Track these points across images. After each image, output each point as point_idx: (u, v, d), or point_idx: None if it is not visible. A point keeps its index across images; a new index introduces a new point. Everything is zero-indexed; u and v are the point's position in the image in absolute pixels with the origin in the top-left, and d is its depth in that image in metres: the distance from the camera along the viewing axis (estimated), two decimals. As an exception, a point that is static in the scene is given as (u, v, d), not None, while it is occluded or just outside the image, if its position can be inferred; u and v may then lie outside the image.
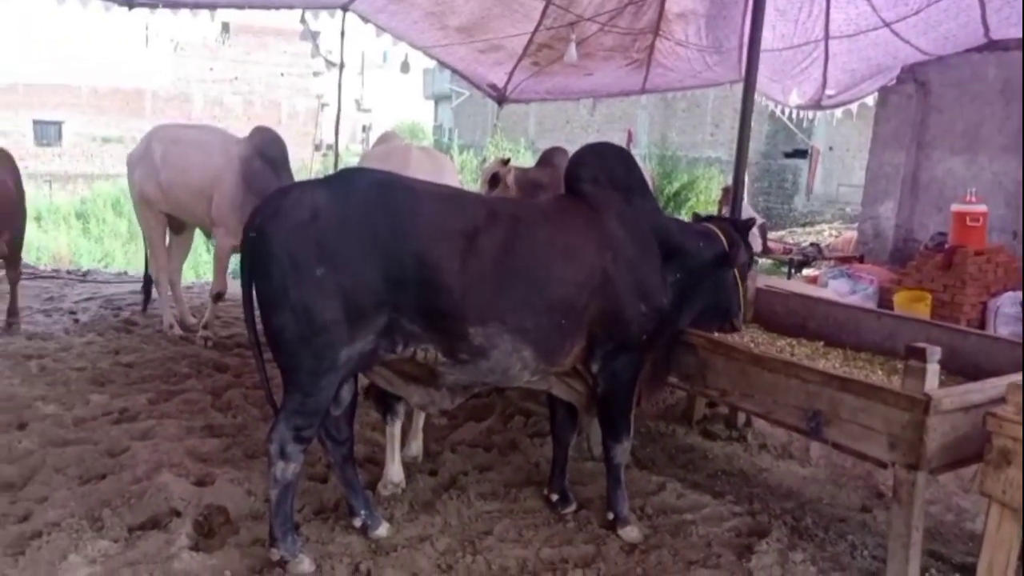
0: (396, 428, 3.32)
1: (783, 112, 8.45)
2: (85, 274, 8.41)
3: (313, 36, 8.81)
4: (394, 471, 3.32)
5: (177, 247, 6.06)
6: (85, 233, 16.55)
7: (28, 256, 10.99)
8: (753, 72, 4.74)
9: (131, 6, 6.19)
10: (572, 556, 2.89)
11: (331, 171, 4.87)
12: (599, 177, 3.04)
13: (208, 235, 5.88)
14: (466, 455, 3.75)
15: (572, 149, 3.50)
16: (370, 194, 2.54)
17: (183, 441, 3.67)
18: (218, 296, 5.50)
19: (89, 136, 31.16)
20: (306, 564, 2.67)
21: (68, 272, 8.52)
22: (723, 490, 3.54)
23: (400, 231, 2.51)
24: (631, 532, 3.05)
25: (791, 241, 11.51)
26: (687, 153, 19.62)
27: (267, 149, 5.22)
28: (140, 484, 3.17)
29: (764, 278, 4.90)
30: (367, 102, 38.00)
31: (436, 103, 32.60)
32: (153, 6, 6.35)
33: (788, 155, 18.77)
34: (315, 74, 37.13)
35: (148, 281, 6.10)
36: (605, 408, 3.10)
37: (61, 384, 4.46)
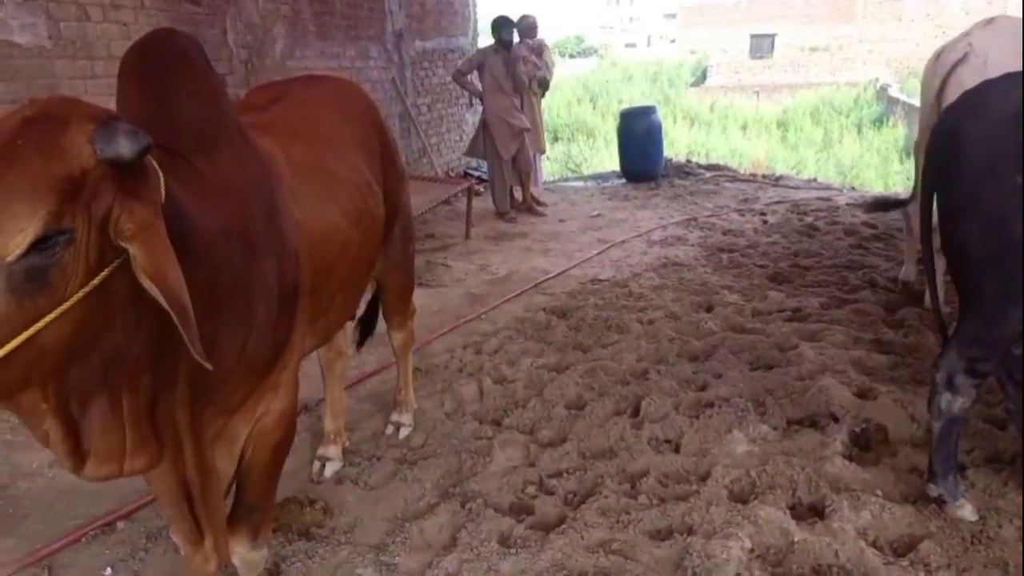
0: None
1: None
2: (777, 179, 8.94)
3: None
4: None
5: None
6: (783, 140, 17.52)
7: (731, 160, 12.27)
8: None
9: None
10: None
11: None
12: None
13: None
14: None
15: None
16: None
17: (849, 350, 3.63)
18: None
19: (798, 46, 32.46)
20: (968, 511, 2.38)
21: (763, 176, 9.18)
22: None
23: None
24: None
25: None
26: None
27: None
28: (803, 382, 3.29)
29: None
30: None
31: None
32: None
33: None
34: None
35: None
36: None
37: (745, 277, 4.91)
